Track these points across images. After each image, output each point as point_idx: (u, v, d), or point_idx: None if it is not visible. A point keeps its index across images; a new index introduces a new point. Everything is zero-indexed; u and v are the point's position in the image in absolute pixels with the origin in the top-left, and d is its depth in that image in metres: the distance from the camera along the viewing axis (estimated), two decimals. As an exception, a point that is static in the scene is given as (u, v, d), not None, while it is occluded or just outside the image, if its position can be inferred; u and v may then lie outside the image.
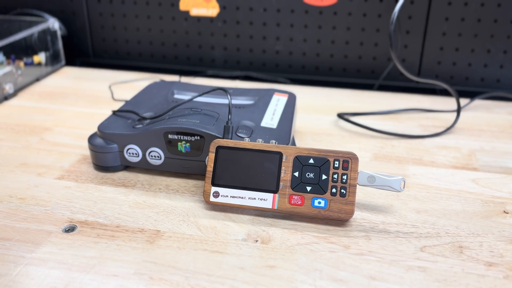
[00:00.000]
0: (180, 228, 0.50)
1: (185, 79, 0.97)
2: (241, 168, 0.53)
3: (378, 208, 0.54)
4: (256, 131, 0.59)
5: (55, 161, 0.64)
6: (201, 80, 0.98)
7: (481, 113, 0.82)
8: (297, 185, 0.51)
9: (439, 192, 0.58)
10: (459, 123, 0.77)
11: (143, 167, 0.60)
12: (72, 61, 1.07)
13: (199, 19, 0.98)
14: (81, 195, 0.56)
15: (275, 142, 0.53)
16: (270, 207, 0.51)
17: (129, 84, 0.94)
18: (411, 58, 0.93)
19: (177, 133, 0.57)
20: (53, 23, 0.99)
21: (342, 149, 0.68)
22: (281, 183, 0.52)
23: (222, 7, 0.96)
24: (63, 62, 1.04)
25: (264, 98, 0.68)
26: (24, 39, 0.93)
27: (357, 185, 0.52)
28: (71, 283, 0.43)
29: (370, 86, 0.96)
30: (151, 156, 0.59)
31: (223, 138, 0.56)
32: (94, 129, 0.65)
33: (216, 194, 0.53)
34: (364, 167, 0.63)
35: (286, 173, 0.52)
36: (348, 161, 0.51)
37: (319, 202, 0.51)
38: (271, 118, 0.62)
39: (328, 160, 0.51)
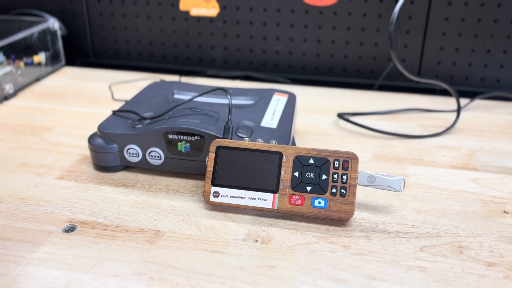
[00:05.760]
0: (180, 228, 0.50)
1: (185, 79, 0.97)
2: (241, 168, 0.53)
3: (378, 208, 0.54)
4: (256, 131, 0.59)
5: (55, 161, 0.64)
6: (201, 80, 0.98)
7: (481, 113, 0.82)
8: (297, 185, 0.51)
9: (439, 192, 0.58)
10: (459, 123, 0.77)
11: (143, 167, 0.60)
12: (72, 61, 1.07)
13: (199, 19, 0.98)
14: (81, 195, 0.56)
15: (275, 142, 0.53)
16: (270, 207, 0.51)
17: (129, 84, 0.94)
18: (411, 58, 0.93)
19: (177, 133, 0.57)
20: (53, 23, 0.99)
21: (342, 149, 0.68)
22: (281, 183, 0.52)
23: (222, 7, 0.96)
24: (63, 62, 1.04)
25: (264, 98, 0.68)
26: (24, 39, 0.93)
27: (357, 185, 0.52)
28: (71, 283, 0.43)
29: (370, 86, 0.96)
30: (151, 156, 0.59)
31: (223, 138, 0.56)
32: (94, 129, 0.65)
33: (216, 194, 0.53)
34: (364, 167, 0.63)
35: (286, 173, 0.52)
36: (348, 161, 0.51)
37: (319, 202, 0.51)
38: (271, 118, 0.62)
39: (328, 160, 0.51)
